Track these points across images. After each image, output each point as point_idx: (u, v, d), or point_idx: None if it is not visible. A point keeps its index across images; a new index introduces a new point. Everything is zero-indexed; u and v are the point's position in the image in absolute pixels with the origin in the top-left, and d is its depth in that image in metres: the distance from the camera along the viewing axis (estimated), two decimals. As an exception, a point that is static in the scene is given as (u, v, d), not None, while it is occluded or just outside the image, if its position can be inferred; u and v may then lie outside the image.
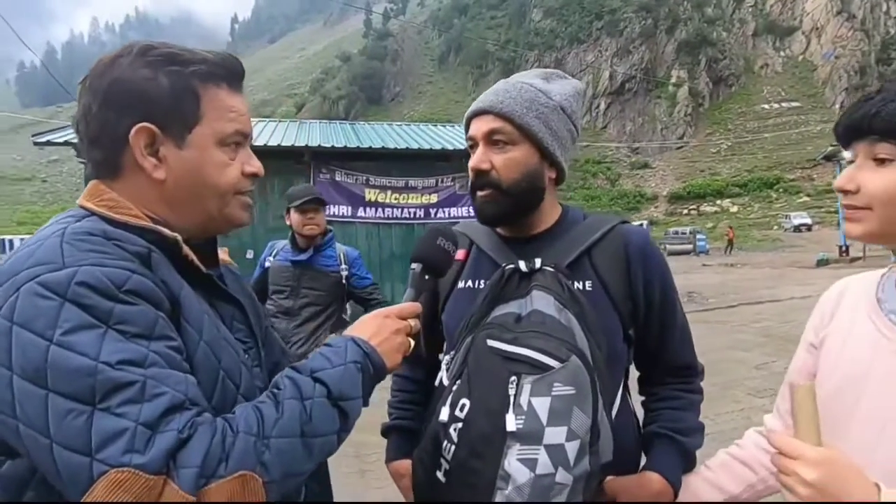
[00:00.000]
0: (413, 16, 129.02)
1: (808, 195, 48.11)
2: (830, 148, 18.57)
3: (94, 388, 0.56)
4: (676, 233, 35.11)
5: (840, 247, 16.70)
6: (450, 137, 11.14)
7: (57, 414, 0.55)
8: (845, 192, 0.74)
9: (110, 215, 0.70)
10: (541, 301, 0.85)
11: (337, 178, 8.78)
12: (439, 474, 0.82)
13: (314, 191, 2.96)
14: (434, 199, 10.30)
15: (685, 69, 79.52)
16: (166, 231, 0.72)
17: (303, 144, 8.59)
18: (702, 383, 1.06)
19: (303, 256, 2.86)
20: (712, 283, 14.51)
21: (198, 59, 0.75)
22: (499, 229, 1.05)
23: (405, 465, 1.08)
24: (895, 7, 75.00)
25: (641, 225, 31.58)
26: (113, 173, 0.74)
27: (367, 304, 3.00)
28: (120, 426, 0.55)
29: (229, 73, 0.77)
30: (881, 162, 0.70)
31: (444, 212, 10.16)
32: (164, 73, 0.72)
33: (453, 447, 0.80)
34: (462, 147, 10.46)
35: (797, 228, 37.72)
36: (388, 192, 9.51)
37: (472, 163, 0.97)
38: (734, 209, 50.89)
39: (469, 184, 1.00)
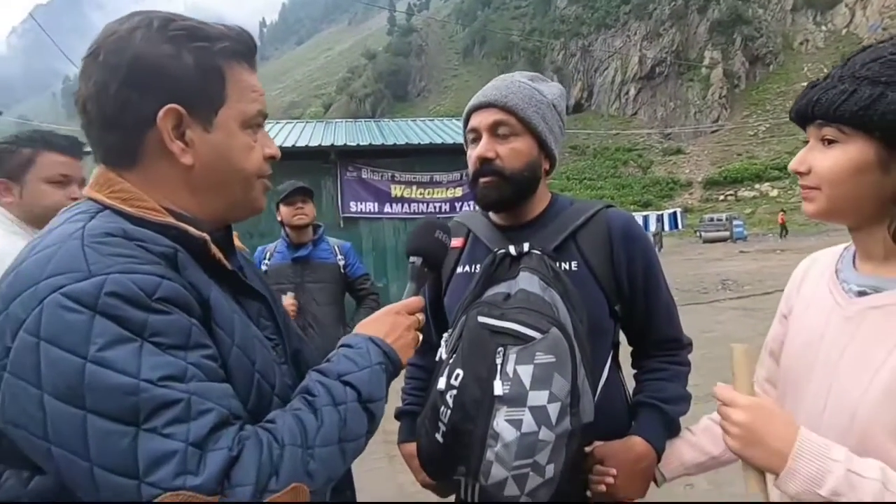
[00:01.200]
0: (436, 10, 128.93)
1: (808, 216, 45.68)
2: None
3: (138, 407, 0.53)
4: (712, 220, 34.10)
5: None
6: (474, 131, 11.19)
7: (97, 436, 0.52)
8: (799, 174, 0.78)
9: (125, 209, 0.66)
10: (527, 281, 0.94)
11: (363, 176, 8.97)
12: (438, 436, 0.92)
13: (299, 183, 3.02)
14: (459, 192, 10.39)
15: (719, 50, 76.69)
16: (193, 230, 0.69)
17: (329, 144, 8.81)
18: (689, 355, 1.13)
19: (303, 252, 2.93)
20: (749, 270, 14.13)
21: (219, 34, 0.71)
22: (494, 218, 1.15)
23: (415, 446, 1.18)
24: (948, -29, 70.18)
25: (674, 213, 30.87)
26: (129, 160, 0.69)
27: (358, 294, 3.07)
28: (169, 448, 0.53)
29: (249, 49, 0.74)
30: (828, 143, 0.74)
31: (469, 205, 10.23)
32: (187, 51, 0.67)
33: (449, 412, 0.90)
34: (486, 140, 10.50)
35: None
36: (414, 188, 9.66)
37: (478, 151, 1.05)
38: (774, 193, 49.01)
39: (471, 172, 1.08)
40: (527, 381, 0.85)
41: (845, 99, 0.70)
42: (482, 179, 1.06)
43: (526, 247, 1.00)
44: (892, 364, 0.69)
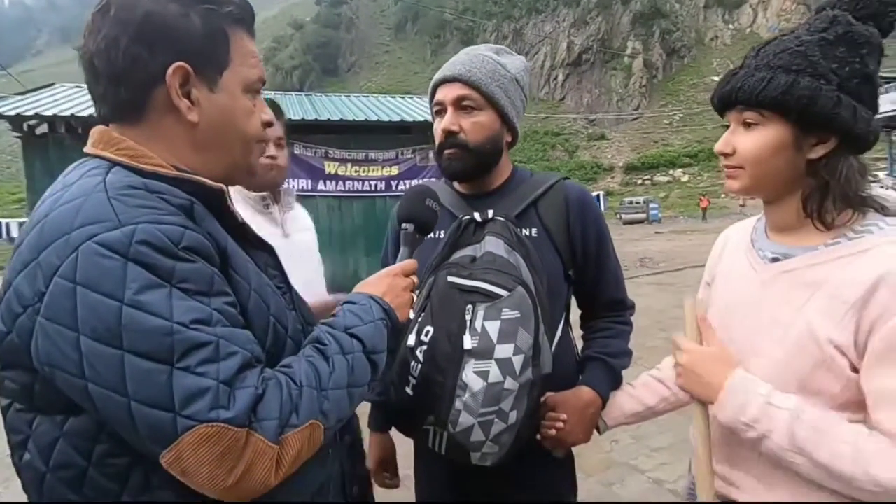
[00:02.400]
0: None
1: (728, 193, 50.24)
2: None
3: (172, 347, 0.57)
4: (631, 202, 36.27)
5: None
6: (409, 109, 11.08)
7: (135, 373, 0.56)
8: (724, 155, 0.86)
9: (136, 165, 0.68)
10: (492, 244, 1.01)
11: (295, 152, 8.65)
12: (408, 389, 0.97)
13: None
14: (395, 171, 10.29)
15: (640, 41, 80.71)
16: (210, 182, 0.72)
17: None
18: (632, 317, 1.25)
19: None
20: (663, 249, 15.26)
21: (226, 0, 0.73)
22: (458, 186, 1.20)
23: (384, 437, 1.29)
24: (835, -19, 77.54)
25: (598, 196, 32.47)
26: (136, 115, 0.71)
27: None
28: (203, 384, 0.57)
29: (250, 17, 0.77)
30: (749, 126, 0.82)
31: (405, 184, 10.17)
32: (195, 12, 0.69)
33: (420, 366, 0.95)
34: (422, 119, 10.48)
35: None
36: (349, 165, 9.45)
37: (443, 125, 1.10)
38: (685, 178, 52.91)
39: (437, 144, 1.13)
40: (494, 336, 0.92)
41: (765, 86, 0.77)
42: (447, 151, 1.11)
43: (490, 213, 1.07)
44: (801, 321, 0.77)
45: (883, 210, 0.78)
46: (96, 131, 0.72)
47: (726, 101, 0.84)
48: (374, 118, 10.02)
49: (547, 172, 1.24)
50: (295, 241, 1.66)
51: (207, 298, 0.61)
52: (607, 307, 1.22)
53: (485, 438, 0.92)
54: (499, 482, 1.09)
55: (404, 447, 1.30)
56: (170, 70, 0.68)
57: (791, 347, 0.77)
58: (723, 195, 43.11)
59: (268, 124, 0.80)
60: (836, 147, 0.77)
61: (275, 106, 1.68)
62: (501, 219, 1.05)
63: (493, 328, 0.92)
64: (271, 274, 0.81)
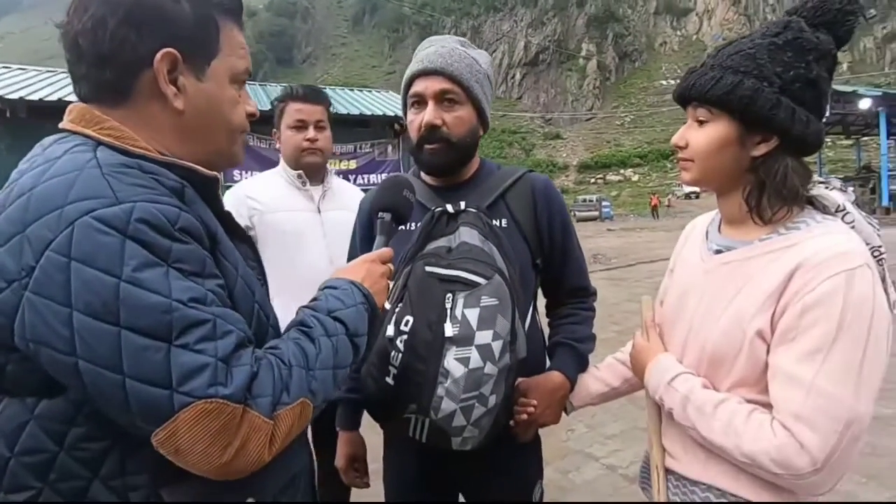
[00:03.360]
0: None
1: (681, 183, 52.88)
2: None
3: (171, 325, 0.56)
4: (585, 201, 37.33)
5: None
6: (368, 103, 10.96)
7: (131, 350, 0.55)
8: (679, 148, 0.90)
9: (122, 146, 0.66)
10: (467, 234, 1.02)
11: (249, 143, 8.39)
12: (388, 379, 0.98)
13: None
14: (353, 165, 10.17)
15: (594, 43, 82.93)
16: (202, 169, 0.72)
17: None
18: (595, 303, 1.30)
19: None
20: (615, 246, 15.81)
21: None
22: (427, 179, 1.21)
23: (354, 434, 1.28)
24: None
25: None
26: (120, 98, 0.69)
27: None
28: (201, 361, 0.57)
29: (239, 8, 0.77)
30: (701, 122, 0.86)
31: (363, 178, 10.08)
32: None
33: (401, 355, 0.96)
34: (381, 113, 10.40)
35: (687, 196, 41.66)
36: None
37: (425, 118, 1.08)
38: (635, 178, 54.93)
39: (414, 138, 1.12)
40: (474, 323, 0.94)
41: (713, 84, 0.82)
42: (428, 146, 1.10)
43: (463, 205, 1.08)
44: (731, 310, 0.82)
45: (822, 208, 0.83)
46: (76, 108, 0.70)
47: (683, 97, 0.89)
48: (333, 111, 9.82)
49: (513, 166, 1.27)
50: (328, 217, 1.76)
51: (201, 279, 0.61)
52: (572, 294, 1.26)
53: (466, 423, 0.94)
54: (472, 467, 1.12)
55: (369, 441, 1.30)
56: (158, 55, 0.67)
57: (720, 336, 0.83)
58: (669, 194, 45.04)
59: (252, 115, 0.79)
60: (776, 147, 0.81)
61: (316, 90, 1.79)
62: (474, 210, 1.07)
63: (472, 315, 0.94)
64: (251, 265, 0.81)
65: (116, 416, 0.58)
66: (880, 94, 17.90)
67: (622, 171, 57.04)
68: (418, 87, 1.10)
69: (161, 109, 0.70)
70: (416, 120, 1.11)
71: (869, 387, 0.73)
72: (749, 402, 0.81)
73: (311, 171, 1.77)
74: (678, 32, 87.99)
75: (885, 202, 19.09)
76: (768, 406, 0.79)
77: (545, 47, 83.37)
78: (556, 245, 1.19)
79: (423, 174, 1.22)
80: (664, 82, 74.38)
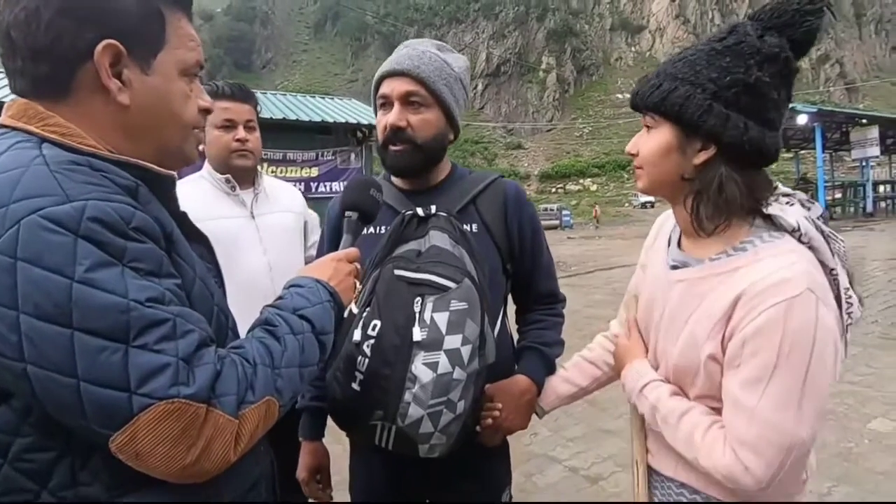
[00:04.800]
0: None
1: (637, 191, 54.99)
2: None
3: (129, 325, 0.55)
4: (546, 209, 37.99)
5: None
6: (330, 110, 10.84)
7: (86, 352, 0.53)
8: (632, 156, 0.90)
9: (69, 143, 0.63)
10: (437, 238, 1.02)
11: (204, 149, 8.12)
12: (354, 385, 0.96)
13: None
14: (315, 172, 10.01)
15: (553, 56, 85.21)
16: (157, 168, 0.69)
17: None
18: (564, 310, 1.31)
19: None
20: (575, 254, 16.15)
21: None
22: (398, 182, 1.20)
23: (319, 445, 1.24)
24: (718, 16, 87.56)
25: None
26: (59, 93, 0.65)
27: None
28: (162, 361, 0.55)
29: (188, 0, 0.73)
30: (648, 130, 0.86)
31: (325, 185, 9.94)
32: None
33: (367, 360, 0.94)
34: (343, 120, 10.30)
35: (643, 205, 43.17)
36: (265, 165, 9.04)
37: (390, 119, 1.08)
38: (594, 188, 56.54)
39: (381, 139, 1.11)
40: (443, 327, 0.93)
41: (652, 92, 0.82)
42: (393, 147, 1.10)
43: (433, 208, 1.08)
44: (686, 330, 0.83)
45: (773, 223, 0.81)
46: (15, 103, 0.66)
47: (633, 105, 0.89)
48: (294, 118, 9.68)
49: (484, 171, 1.28)
50: (263, 223, 1.64)
51: (158, 279, 0.59)
52: (540, 300, 1.27)
53: (433, 429, 0.93)
54: (441, 474, 1.11)
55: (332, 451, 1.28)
56: (99, 48, 0.63)
57: (679, 353, 0.85)
58: (626, 203, 46.55)
59: (206, 111, 0.76)
60: (715, 155, 0.79)
61: (244, 89, 1.66)
62: (444, 214, 1.07)
63: (441, 319, 0.94)
64: (207, 267, 0.78)
65: (70, 422, 0.55)
66: (816, 110, 19.02)
67: (581, 181, 58.60)
68: (385, 88, 1.10)
69: (105, 105, 0.66)
70: (383, 121, 1.10)
71: (812, 409, 0.74)
72: (716, 409, 0.83)
73: (241, 175, 1.64)
74: (632, 48, 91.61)
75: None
76: None
77: (506, 59, 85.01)
78: (525, 251, 1.20)
79: (393, 178, 1.21)
80: (620, 96, 77.10)
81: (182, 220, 0.75)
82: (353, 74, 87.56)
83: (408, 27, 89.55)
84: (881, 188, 24.30)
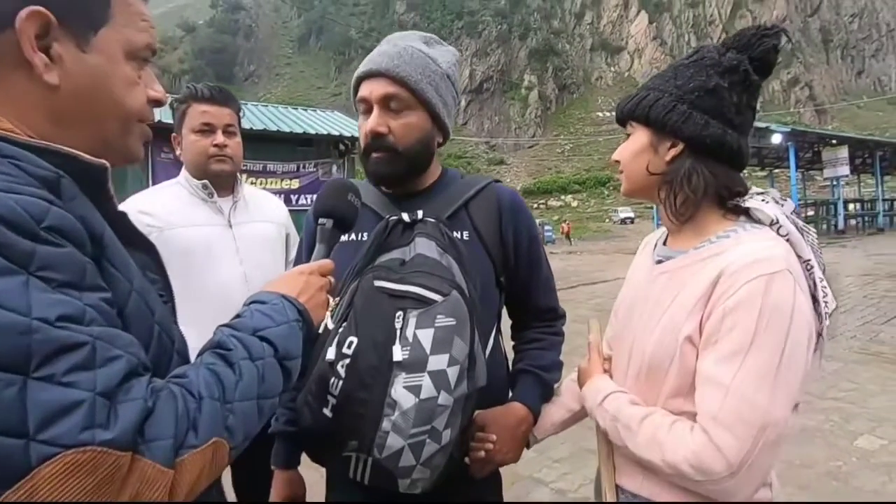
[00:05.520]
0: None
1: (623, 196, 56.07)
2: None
3: (30, 351, 0.43)
4: (528, 224, 38.04)
5: (655, 236, 19.99)
6: (313, 122, 10.73)
7: None
8: (616, 163, 0.97)
9: None
10: (423, 246, 0.92)
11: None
12: (326, 411, 0.84)
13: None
14: (296, 184, 9.86)
15: (535, 75, 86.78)
16: (86, 156, 0.57)
17: (140, 118, 7.59)
18: (564, 326, 1.20)
19: None
20: (557, 268, 16.12)
21: None
22: (383, 187, 1.09)
23: (294, 473, 1.11)
24: (694, 39, 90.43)
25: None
26: None
27: None
28: (72, 398, 0.44)
29: None
30: (627, 137, 0.94)
31: (305, 198, 9.78)
32: None
33: (341, 382, 0.83)
34: (325, 132, 10.19)
35: (623, 221, 43.76)
36: (244, 177, 8.83)
37: (369, 126, 0.98)
38: (575, 204, 57.16)
39: (362, 145, 1.01)
40: (427, 345, 0.82)
41: (628, 101, 0.93)
42: (374, 155, 1.00)
43: (420, 214, 0.97)
44: (667, 315, 0.84)
45: (757, 220, 0.86)
46: None
47: (617, 118, 0.98)
48: (275, 128, 9.54)
49: (477, 175, 1.17)
50: (241, 232, 1.56)
51: (78, 292, 0.48)
52: (539, 315, 1.17)
53: (415, 462, 0.82)
54: None
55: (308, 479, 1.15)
56: (22, 14, 0.53)
57: (656, 341, 0.85)
58: (606, 220, 47.16)
59: (157, 102, 0.66)
60: (683, 150, 0.87)
61: (224, 92, 1.59)
62: (432, 220, 0.97)
63: (426, 337, 0.83)
64: (151, 279, 0.67)
65: None
66: (789, 130, 19.65)
67: (563, 196, 59.25)
68: (363, 91, 1.00)
69: (27, 83, 0.56)
70: (363, 127, 1.00)
71: (786, 392, 0.74)
72: (685, 413, 0.81)
73: (220, 181, 1.55)
74: (612, 68, 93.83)
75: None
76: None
77: (489, 76, 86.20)
78: (521, 261, 1.10)
79: None
80: (600, 114, 78.69)
81: (120, 221, 0.64)
82: (337, 88, 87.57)
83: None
84: (851, 206, 25.07)
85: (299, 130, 9.88)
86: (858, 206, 25.90)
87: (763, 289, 0.75)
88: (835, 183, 21.80)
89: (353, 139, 10.49)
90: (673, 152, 0.88)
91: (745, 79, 0.87)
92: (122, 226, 0.64)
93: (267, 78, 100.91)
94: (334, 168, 10.41)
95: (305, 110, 12.21)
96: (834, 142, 20.40)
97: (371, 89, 0.98)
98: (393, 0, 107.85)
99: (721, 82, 0.85)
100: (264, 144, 9.13)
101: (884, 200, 24.44)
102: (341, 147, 10.46)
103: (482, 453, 1.01)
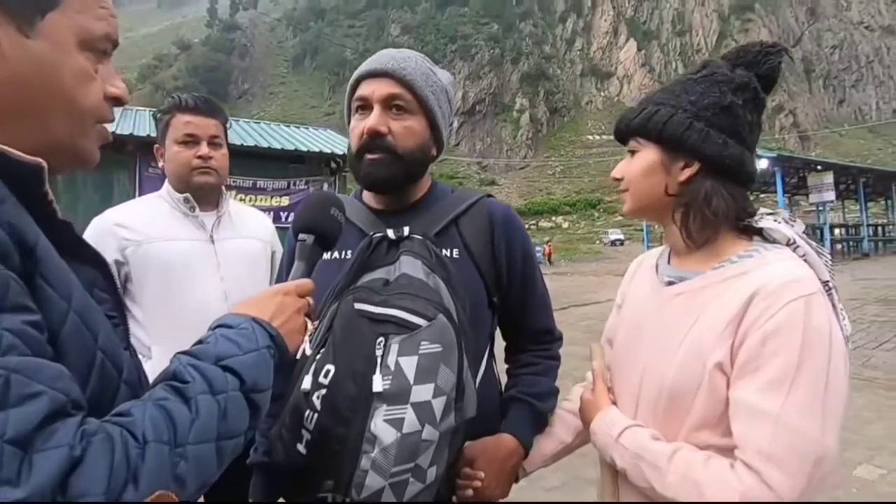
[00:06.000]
0: (265, 11, 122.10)
1: (622, 215, 56.61)
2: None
3: None
4: (519, 245, 38.07)
5: (645, 258, 20.15)
6: (304, 139, 10.72)
7: None
8: (617, 180, 0.91)
9: None
10: (409, 265, 0.85)
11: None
12: (300, 447, 0.76)
13: None
14: (285, 202, 9.78)
15: (527, 98, 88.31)
16: (19, 154, 0.50)
17: (127, 133, 7.53)
18: (560, 349, 1.13)
19: None
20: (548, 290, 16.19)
21: None
22: (368, 201, 1.04)
23: None
24: (681, 66, 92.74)
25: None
26: None
27: None
28: None
29: None
30: (632, 154, 0.89)
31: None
32: None
33: (316, 415, 0.76)
34: (317, 150, 10.16)
35: (613, 243, 44.05)
36: (233, 193, 8.77)
37: (368, 123, 0.92)
38: (566, 225, 57.57)
39: (355, 147, 0.96)
40: (410, 375, 0.75)
41: (635, 116, 0.87)
42: (370, 156, 0.94)
43: (406, 231, 0.90)
44: (688, 341, 0.78)
45: (770, 239, 0.82)
46: None
47: (617, 134, 0.92)
48: (265, 145, 9.50)
49: (470, 190, 1.10)
50: (224, 248, 1.49)
51: None
52: (535, 338, 1.10)
53: (397, 503, 0.74)
54: None
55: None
56: None
57: (678, 367, 0.79)
58: (597, 241, 47.45)
59: (116, 100, 0.59)
60: (699, 170, 0.82)
61: (210, 102, 1.53)
62: (419, 237, 0.90)
63: (409, 365, 0.76)
64: (99, 297, 0.59)
65: None
66: (776, 155, 20.01)
67: (553, 218, 59.70)
68: (364, 90, 0.95)
69: None
70: (359, 126, 0.94)
71: (834, 420, 0.69)
72: (711, 447, 0.75)
73: (203, 195, 1.49)
74: (602, 93, 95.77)
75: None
76: (728, 450, 0.73)
77: (482, 99, 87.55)
78: (515, 280, 1.03)
79: (364, 195, 1.04)
80: (590, 137, 79.98)
81: (62, 231, 0.56)
82: (331, 108, 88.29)
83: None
84: (836, 231, 25.46)
85: (290, 147, 9.85)
86: (843, 231, 26.31)
87: (804, 310, 0.70)
88: (820, 208, 22.12)
89: (346, 157, 10.41)
90: (688, 172, 0.83)
91: (755, 96, 0.84)
92: (65, 236, 0.56)
93: (261, 96, 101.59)
94: (325, 186, 10.35)
95: (297, 127, 12.22)
96: (819, 167, 20.79)
97: (373, 88, 0.94)
98: (388, 23, 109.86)
99: (735, 100, 0.82)
100: (254, 161, 9.07)
101: (868, 226, 24.85)
102: (332, 165, 10.43)
103: (470, 491, 0.93)
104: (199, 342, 0.58)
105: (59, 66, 0.53)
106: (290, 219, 9.52)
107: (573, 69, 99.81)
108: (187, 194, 1.48)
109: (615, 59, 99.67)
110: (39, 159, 0.52)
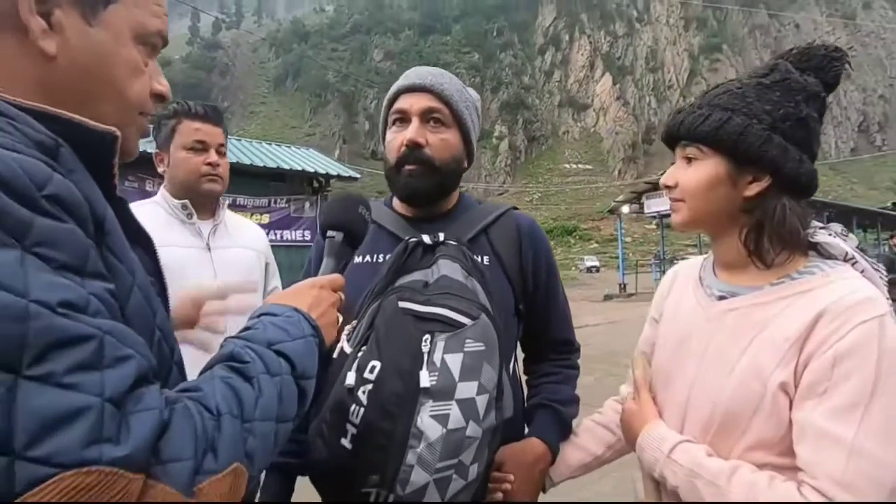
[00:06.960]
0: (248, 31, 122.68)
1: (597, 242, 57.75)
2: (613, 204, 22.67)
3: (24, 341, 0.35)
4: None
5: (620, 285, 20.34)
6: (286, 157, 10.69)
7: None
8: (668, 188, 0.85)
9: None
10: (448, 268, 0.87)
11: (148, 188, 7.65)
12: (345, 442, 0.76)
13: None
14: (266, 219, 9.68)
15: (506, 126, 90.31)
16: (93, 123, 0.50)
17: (107, 145, 7.38)
18: (579, 360, 1.16)
19: None
20: (527, 314, 16.25)
21: None
22: (400, 209, 1.06)
23: None
24: (655, 101, 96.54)
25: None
26: None
27: None
28: (75, 403, 0.36)
29: None
30: (689, 161, 0.83)
31: (275, 234, 9.59)
32: None
33: (363, 410, 0.76)
34: (299, 168, 10.13)
35: (589, 269, 44.69)
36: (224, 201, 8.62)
37: (408, 135, 0.96)
38: (543, 251, 58.24)
39: (393, 159, 0.99)
40: (455, 372, 0.76)
41: (702, 122, 0.80)
42: (408, 167, 0.97)
43: (441, 236, 0.92)
44: (745, 360, 0.75)
45: (825, 254, 0.80)
46: None
47: (672, 136, 0.86)
48: (247, 162, 9.44)
49: (495, 203, 1.15)
50: (220, 256, 1.50)
51: (80, 278, 0.40)
52: (555, 347, 1.12)
53: (440, 500, 0.75)
54: None
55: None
56: None
57: (736, 386, 0.76)
58: (573, 268, 48.10)
59: (160, 97, 0.60)
60: (770, 186, 0.78)
61: (218, 111, 1.54)
62: (454, 242, 0.93)
63: (454, 362, 0.77)
64: (149, 280, 0.58)
65: None
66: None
67: (530, 243, 60.36)
68: (403, 103, 0.99)
69: (19, 46, 0.49)
70: (397, 139, 0.98)
71: None
72: (766, 465, 0.73)
73: (205, 202, 1.50)
74: (578, 124, 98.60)
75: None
76: (785, 470, 0.71)
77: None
78: (540, 289, 1.06)
79: (395, 203, 1.07)
80: (567, 165, 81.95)
81: (121, 208, 0.56)
82: (311, 129, 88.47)
83: (368, 88, 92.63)
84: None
85: (272, 165, 9.80)
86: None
87: (878, 332, 0.67)
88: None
89: (328, 176, 10.46)
90: (756, 188, 0.78)
91: (823, 106, 0.80)
92: (124, 212, 0.57)
93: (241, 115, 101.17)
94: (307, 205, 10.30)
95: (279, 146, 12.17)
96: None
97: (412, 102, 0.98)
98: (371, 48, 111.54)
99: (811, 111, 0.78)
100: (235, 178, 8.71)
101: (831, 258, 25.87)
102: (315, 184, 10.41)
103: (499, 494, 0.93)
104: (247, 328, 0.58)
105: (115, 56, 0.54)
106: (270, 237, 9.32)
107: (551, 100, 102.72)
108: (185, 201, 1.47)
109: (591, 91, 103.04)
110: (114, 128, 0.52)
